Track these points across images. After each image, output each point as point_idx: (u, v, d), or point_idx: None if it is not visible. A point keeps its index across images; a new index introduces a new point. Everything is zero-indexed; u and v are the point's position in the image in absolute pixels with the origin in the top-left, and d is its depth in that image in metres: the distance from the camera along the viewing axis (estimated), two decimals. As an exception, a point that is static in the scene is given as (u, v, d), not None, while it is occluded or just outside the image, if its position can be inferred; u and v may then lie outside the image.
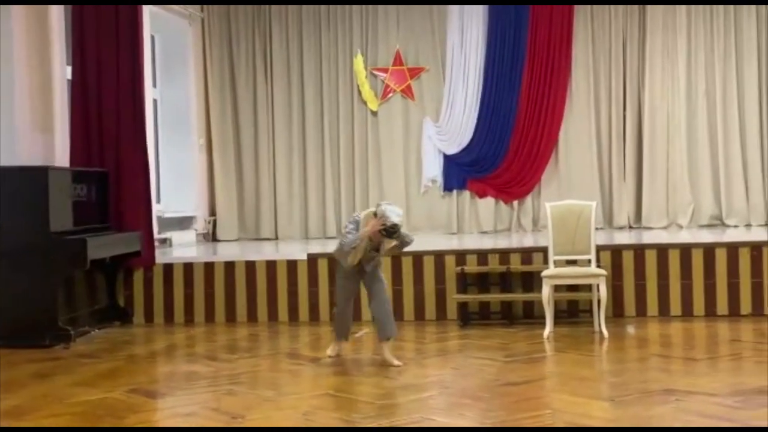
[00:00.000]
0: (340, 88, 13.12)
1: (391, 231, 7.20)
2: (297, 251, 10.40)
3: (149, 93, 11.21)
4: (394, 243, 7.39)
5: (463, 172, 12.88)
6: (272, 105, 13.20)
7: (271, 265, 9.96)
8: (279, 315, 9.89)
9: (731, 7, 12.46)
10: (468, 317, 9.46)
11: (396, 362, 7.32)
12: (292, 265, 9.93)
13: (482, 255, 9.72)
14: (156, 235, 10.70)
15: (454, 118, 12.86)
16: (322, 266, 9.84)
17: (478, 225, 12.88)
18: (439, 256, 9.75)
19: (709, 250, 9.38)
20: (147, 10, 10.98)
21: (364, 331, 9.12)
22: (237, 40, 13.25)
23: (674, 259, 9.39)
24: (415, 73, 13.02)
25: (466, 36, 12.81)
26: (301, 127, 13.17)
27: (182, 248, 11.71)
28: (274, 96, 13.19)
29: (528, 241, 10.90)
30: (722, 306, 9.26)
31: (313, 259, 9.91)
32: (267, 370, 7.47)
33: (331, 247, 11.14)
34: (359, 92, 13.05)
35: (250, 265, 9.98)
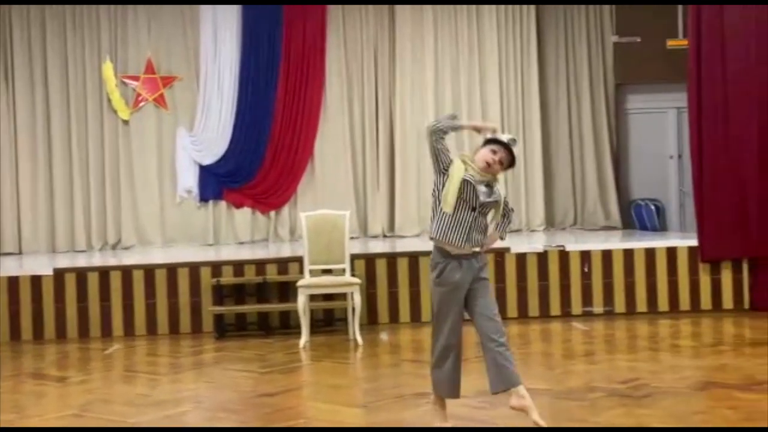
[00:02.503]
0: (89, 96, 12.58)
1: (507, 146, 5.19)
2: (42, 266, 9.90)
3: None
4: (501, 207, 5.35)
5: (219, 182, 12.75)
6: (14, 111, 12.44)
7: (13, 280, 9.43)
8: (22, 333, 9.38)
9: (474, 20, 13.08)
10: (224, 329, 9.37)
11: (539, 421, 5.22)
12: (36, 280, 9.45)
13: (238, 266, 9.66)
14: None
15: (209, 128, 12.70)
16: (70, 281, 9.43)
17: (235, 236, 12.79)
18: (194, 268, 9.60)
19: (456, 257, 9.78)
20: None
21: (115, 347, 8.83)
22: (-26, 41, 12.45)
23: (424, 266, 9.73)
24: (168, 81, 12.74)
25: (220, 46, 12.69)
26: (47, 134, 12.52)
27: None
28: (16, 101, 12.45)
29: (285, 251, 10.95)
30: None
31: (59, 273, 9.48)
32: (9, 392, 7.05)
33: (80, 261, 10.77)
34: (109, 100, 12.59)
35: (-9, 282, 9.41)
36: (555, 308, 9.80)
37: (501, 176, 5.42)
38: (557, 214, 13.39)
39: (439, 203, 5.15)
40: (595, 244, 10.20)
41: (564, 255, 9.89)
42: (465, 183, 5.07)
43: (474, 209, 5.13)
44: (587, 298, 9.80)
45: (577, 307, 9.79)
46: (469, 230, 5.13)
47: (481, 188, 5.14)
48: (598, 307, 9.80)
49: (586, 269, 9.82)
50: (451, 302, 5.20)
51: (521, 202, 13.06)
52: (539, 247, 10.01)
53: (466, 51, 13.08)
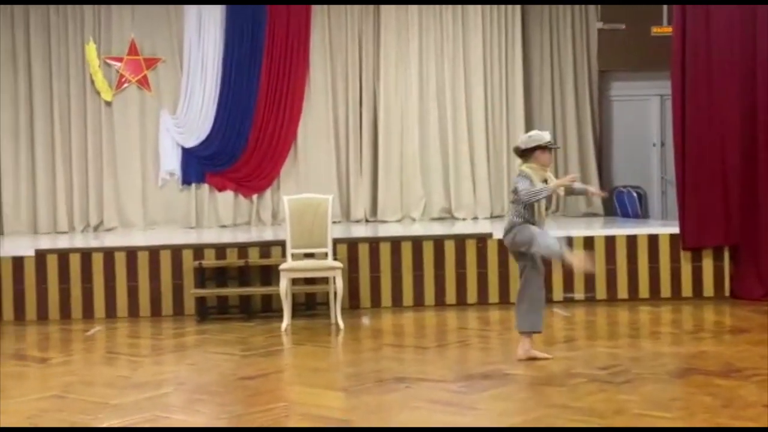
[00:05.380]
0: (72, 77, 12.51)
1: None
2: (24, 247, 9.86)
3: None
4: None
5: (202, 165, 12.71)
6: (-4, 91, 12.39)
7: (-6, 261, 9.40)
8: (3, 314, 9.35)
9: (459, 14, 13.06)
10: (206, 312, 9.37)
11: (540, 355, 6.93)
12: (18, 261, 9.42)
13: (220, 249, 9.65)
14: None
15: (192, 110, 12.65)
16: (52, 262, 9.41)
17: (218, 219, 12.76)
18: (176, 250, 9.59)
19: (438, 242, 9.83)
20: None
21: (97, 329, 8.83)
22: (-44, 20, 12.35)
23: (407, 251, 9.76)
24: (151, 63, 12.67)
25: (204, 27, 12.63)
26: (29, 115, 12.45)
27: None
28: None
29: (267, 235, 10.94)
30: (451, 296, 9.73)
31: (41, 255, 9.45)
32: (-11, 374, 7.04)
33: (62, 242, 10.74)
34: (92, 81, 12.52)
35: (-29, 263, 9.37)
36: (536, 294, 9.82)
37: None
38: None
39: None
40: (577, 230, 10.23)
41: (546, 241, 9.90)
42: None
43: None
44: (568, 284, 9.82)
45: (558, 293, 9.83)
46: None
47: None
48: (579, 294, 9.84)
49: (567, 255, 9.84)
50: None
51: (503, 188, 13.09)
52: (521, 233, 10.02)
53: (451, 36, 13.06)
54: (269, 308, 9.48)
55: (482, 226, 11.52)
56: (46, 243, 10.44)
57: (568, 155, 13.30)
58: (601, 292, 9.85)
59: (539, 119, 13.34)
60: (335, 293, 8.72)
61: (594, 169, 13.22)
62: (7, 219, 12.35)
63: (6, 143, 12.37)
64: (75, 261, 9.45)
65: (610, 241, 9.93)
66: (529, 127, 13.28)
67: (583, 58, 13.30)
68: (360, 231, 11.26)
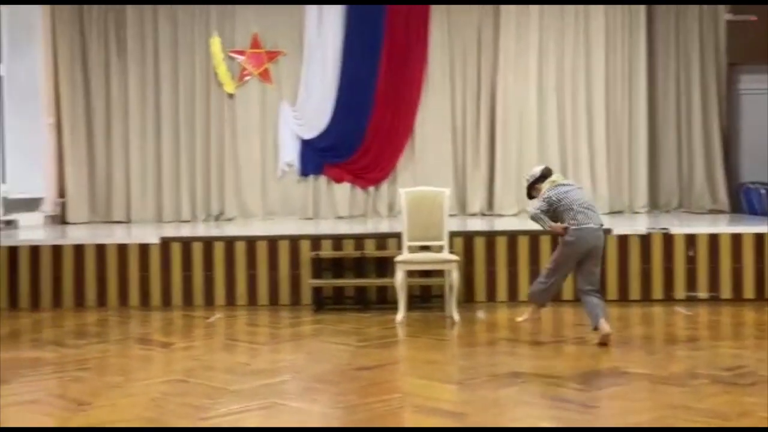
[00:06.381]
0: (197, 70, 12.87)
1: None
2: (150, 235, 10.17)
3: (-6, 67, 10.73)
4: None
5: (320, 157, 12.88)
6: (126, 84, 12.83)
7: (122, 248, 9.72)
8: (130, 300, 9.67)
9: (581, 7, 12.86)
10: (322, 302, 9.48)
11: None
12: (144, 248, 9.72)
13: (337, 240, 9.75)
14: (1, 217, 10.26)
15: (311, 102, 12.83)
16: (176, 250, 9.68)
17: (334, 210, 12.91)
18: (294, 241, 9.73)
19: (555, 237, 9.66)
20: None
21: (217, 316, 9.04)
22: (89, 15, 12.79)
23: (523, 245, 9.66)
24: (272, 56, 12.91)
25: (324, 20, 12.78)
26: (156, 107, 12.87)
27: (29, 230, 11.26)
28: (128, 75, 12.82)
29: (383, 227, 11.00)
30: (568, 291, 9.55)
31: (166, 243, 9.73)
32: (116, 356, 7.30)
33: (185, 231, 11.05)
34: (215, 74, 12.84)
35: (101, 249, 9.71)
36: (657, 292, 9.60)
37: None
38: (662, 196, 13.09)
39: None
40: (702, 227, 9.94)
41: (668, 238, 9.67)
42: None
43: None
44: (691, 282, 9.57)
45: (680, 292, 9.57)
46: None
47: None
48: (702, 293, 9.57)
49: (691, 253, 9.59)
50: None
51: (624, 184, 12.83)
52: (642, 230, 9.81)
53: (572, 27, 12.87)
54: (384, 300, 9.53)
55: (604, 222, 11.27)
56: (170, 231, 10.74)
57: (693, 150, 12.93)
58: (726, 291, 9.55)
59: (663, 113, 13.01)
60: (451, 286, 8.70)
61: (720, 165, 12.82)
62: (134, 208, 12.80)
63: (134, 136, 12.81)
64: (197, 249, 9.69)
65: (736, 239, 9.61)
66: (651, 119, 13.01)
67: (710, 51, 12.90)
68: (476, 224, 11.20)
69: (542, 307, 7.89)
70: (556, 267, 7.66)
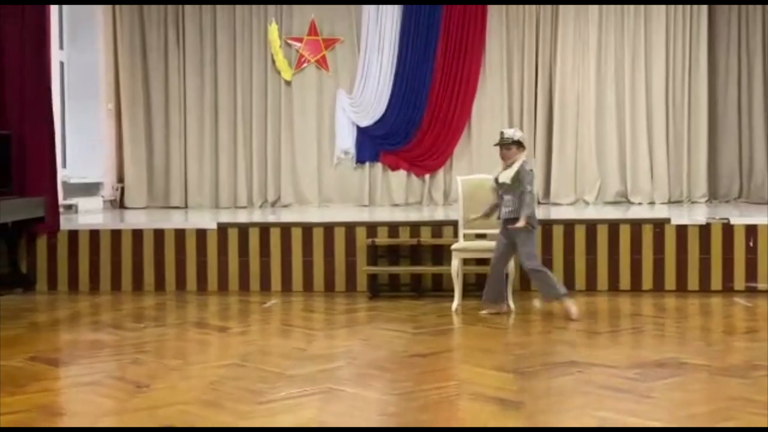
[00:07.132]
0: (254, 57, 12.97)
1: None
2: (207, 220, 10.28)
3: (55, 54, 10.90)
4: None
5: (376, 144, 12.90)
6: (184, 71, 12.98)
7: (180, 233, 9.84)
8: (187, 284, 9.79)
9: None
10: (377, 289, 9.51)
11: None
12: (201, 234, 9.83)
13: (393, 227, 9.76)
14: (61, 201, 10.45)
15: (367, 90, 12.85)
16: (232, 236, 9.77)
17: (390, 197, 12.93)
18: (350, 227, 9.76)
19: (613, 226, 9.60)
20: (55, -32, 10.65)
21: (273, 301, 9.11)
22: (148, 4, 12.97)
23: (580, 234, 9.58)
24: (329, 44, 12.95)
25: (381, 8, 12.79)
26: (214, 94, 13.00)
27: (88, 215, 11.47)
28: (186, 61, 12.97)
29: (439, 215, 10.99)
30: (625, 281, 9.50)
31: (223, 228, 9.82)
32: (174, 339, 7.40)
33: (241, 217, 11.15)
34: (273, 61, 12.93)
35: (159, 234, 9.85)
36: (716, 283, 9.46)
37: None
38: (721, 186, 12.90)
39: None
40: (762, 218, 9.77)
41: (728, 228, 9.51)
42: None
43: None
44: (751, 273, 9.41)
45: (739, 283, 9.42)
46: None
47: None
48: (762, 284, 9.40)
49: (751, 244, 9.42)
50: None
51: (683, 173, 12.66)
52: (701, 220, 9.66)
53: (632, 16, 12.72)
54: (440, 287, 9.52)
55: (659, 212, 11.18)
56: (227, 217, 10.84)
57: (754, 144, 12.72)
58: (787, 282, 9.39)
59: (723, 104, 12.83)
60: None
61: (782, 158, 12.59)
62: (191, 193, 12.95)
63: (191, 122, 12.96)
64: (254, 235, 9.77)
65: (798, 229, 9.43)
66: (711, 108, 12.81)
67: (773, 40, 12.66)
68: (532, 213, 11.10)
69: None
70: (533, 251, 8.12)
